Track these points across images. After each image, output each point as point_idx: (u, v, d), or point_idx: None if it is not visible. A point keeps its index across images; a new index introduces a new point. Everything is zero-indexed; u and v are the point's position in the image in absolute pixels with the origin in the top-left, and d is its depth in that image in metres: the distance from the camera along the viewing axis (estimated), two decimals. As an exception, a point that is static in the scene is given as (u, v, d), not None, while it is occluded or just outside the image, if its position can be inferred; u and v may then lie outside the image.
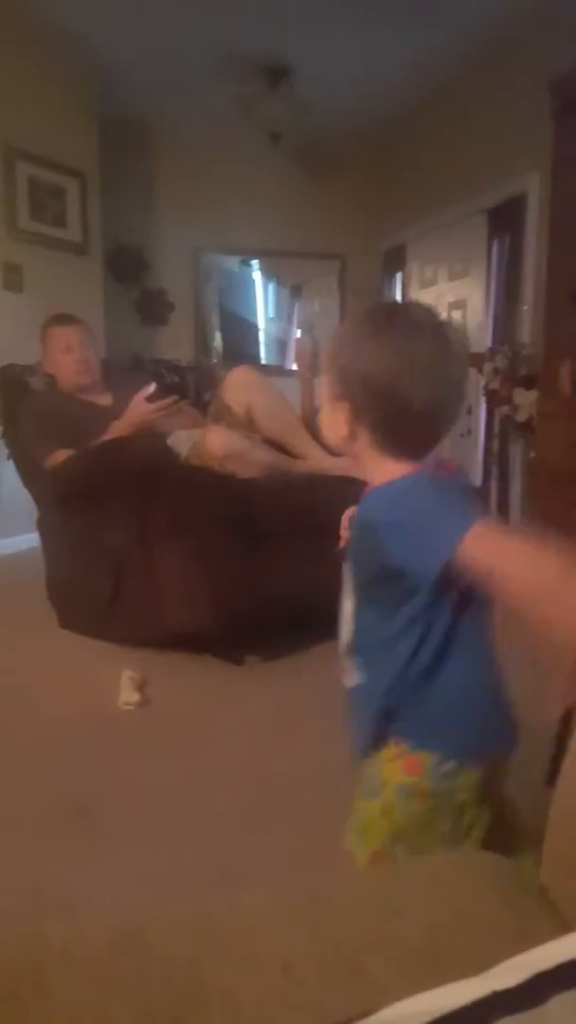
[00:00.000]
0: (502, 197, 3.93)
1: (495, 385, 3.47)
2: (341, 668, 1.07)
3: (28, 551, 3.42)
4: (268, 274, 6.09)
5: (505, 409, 3.46)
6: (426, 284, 4.97)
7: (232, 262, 5.94)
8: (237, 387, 2.91)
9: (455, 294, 4.61)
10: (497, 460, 4.00)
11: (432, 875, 0.75)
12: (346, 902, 0.71)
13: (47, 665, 2.46)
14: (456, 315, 4.61)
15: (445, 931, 0.67)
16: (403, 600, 0.92)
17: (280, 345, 6.20)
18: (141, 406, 2.70)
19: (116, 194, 4.72)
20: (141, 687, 2.18)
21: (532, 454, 3.32)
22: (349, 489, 2.78)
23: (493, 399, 3.65)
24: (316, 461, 2.75)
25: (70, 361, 2.90)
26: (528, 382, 3.30)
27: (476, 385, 3.89)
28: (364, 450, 0.94)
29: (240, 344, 5.97)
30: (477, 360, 3.71)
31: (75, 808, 1.64)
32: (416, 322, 0.89)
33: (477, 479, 4.12)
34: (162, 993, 0.58)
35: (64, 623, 2.70)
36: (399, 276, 5.26)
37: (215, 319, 5.84)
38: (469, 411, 4.35)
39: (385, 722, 0.98)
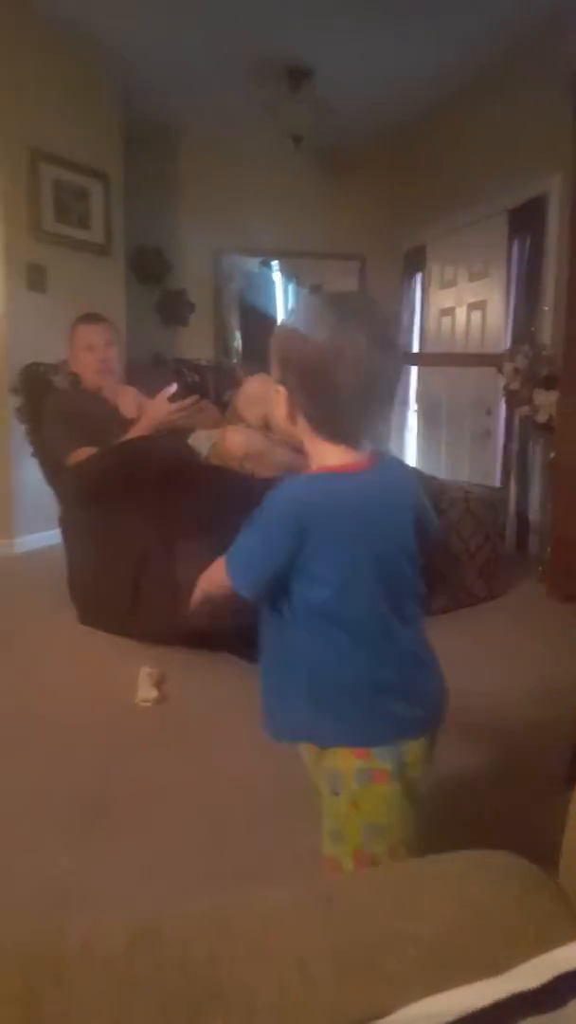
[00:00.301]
0: (523, 197, 3.90)
1: (515, 386, 3.45)
2: None
3: (50, 548, 3.46)
4: (288, 274, 6.10)
5: (525, 410, 3.43)
6: (446, 284, 4.95)
7: (252, 263, 5.95)
8: (253, 400, 2.89)
9: (475, 294, 4.59)
10: (517, 461, 3.98)
11: (448, 874, 0.75)
12: (362, 901, 0.71)
13: (67, 660, 2.48)
14: (476, 316, 4.59)
15: (462, 931, 0.66)
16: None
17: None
18: (162, 406, 2.71)
19: (139, 195, 4.75)
20: (159, 684, 2.19)
21: (552, 454, 3.30)
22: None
23: (513, 400, 3.63)
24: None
25: (92, 359, 2.93)
26: (548, 382, 3.27)
27: (496, 386, 3.87)
28: (303, 432, 1.01)
29: (260, 344, 5.97)
30: (497, 360, 3.70)
31: (92, 803, 1.65)
32: (353, 314, 0.95)
33: (496, 479, 4.10)
34: (179, 989, 0.58)
35: (84, 619, 2.73)
36: (419, 277, 5.24)
37: (235, 319, 5.85)
38: (489, 412, 4.33)
39: None
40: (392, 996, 0.59)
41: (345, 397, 0.94)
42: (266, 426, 2.86)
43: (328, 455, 0.99)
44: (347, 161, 5.45)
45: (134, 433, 2.70)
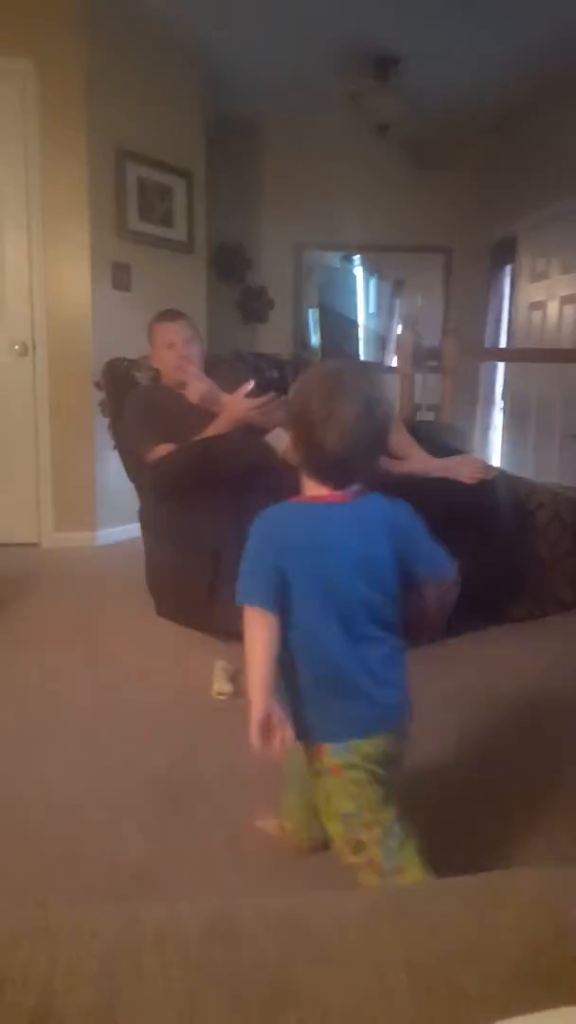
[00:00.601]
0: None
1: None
2: None
3: (130, 541, 3.53)
4: (370, 269, 6.04)
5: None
6: (537, 277, 4.81)
7: (333, 258, 5.92)
8: None
9: (569, 287, 4.44)
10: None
11: (533, 890, 0.72)
12: (440, 911, 0.69)
13: (144, 652, 2.52)
14: (569, 309, 4.44)
15: (546, 950, 0.63)
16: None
17: (380, 341, 6.14)
18: (240, 403, 2.72)
19: (220, 192, 4.80)
20: (234, 678, 2.20)
21: None
22: (449, 490, 2.74)
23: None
24: (417, 462, 2.69)
25: (172, 356, 2.96)
26: None
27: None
28: (299, 466, 1.23)
29: (339, 340, 5.96)
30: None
31: (167, 791, 1.67)
32: (350, 389, 1.16)
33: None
34: (252, 985, 0.58)
35: (161, 611, 2.77)
36: (508, 269, 5.10)
37: (315, 316, 5.84)
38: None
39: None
40: (469, 1012, 0.56)
41: (330, 454, 1.16)
42: None
43: (312, 488, 1.22)
44: (433, 152, 5.35)
45: (213, 430, 2.72)
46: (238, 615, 1.17)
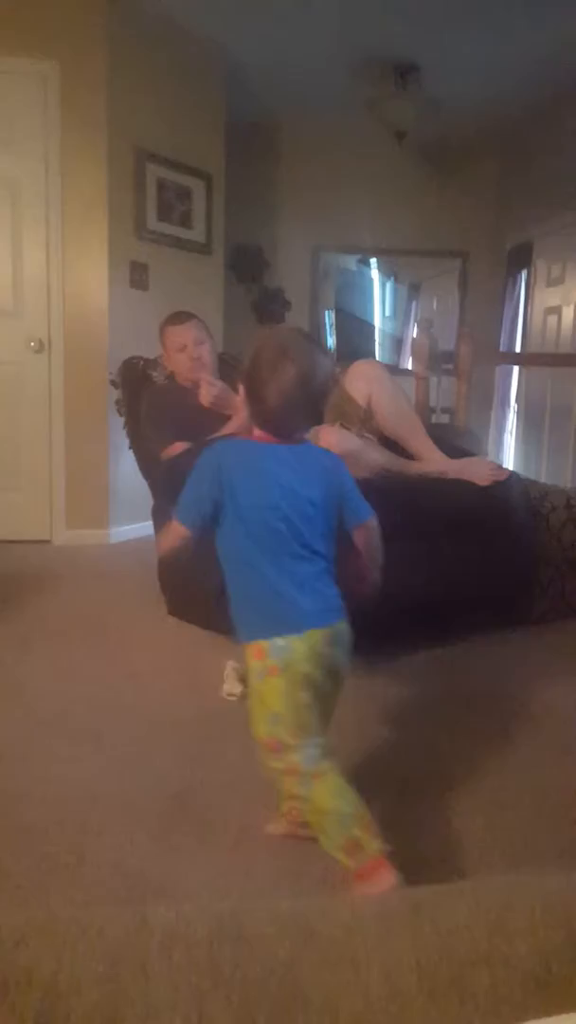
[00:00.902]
0: None
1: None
2: None
3: (143, 539, 3.54)
4: (386, 272, 6.04)
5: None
6: (553, 283, 4.79)
7: (350, 260, 5.92)
8: (360, 377, 2.87)
9: (584, 292, 4.41)
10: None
11: (545, 895, 0.71)
12: (452, 915, 0.68)
13: (155, 651, 2.52)
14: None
15: (560, 957, 0.62)
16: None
17: (396, 343, 6.13)
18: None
19: (239, 194, 4.81)
20: (244, 679, 2.19)
21: None
22: (465, 493, 2.72)
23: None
24: (433, 463, 2.68)
25: (184, 359, 2.96)
26: None
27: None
28: (248, 417, 1.44)
29: (355, 342, 5.95)
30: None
31: (175, 792, 1.67)
32: (292, 356, 1.35)
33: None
34: (260, 989, 0.57)
35: (173, 610, 2.77)
36: (524, 274, 5.08)
37: (331, 317, 5.84)
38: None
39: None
40: (480, 1018, 0.55)
41: (270, 409, 1.36)
42: (369, 409, 2.82)
43: (256, 432, 1.42)
44: (451, 157, 5.35)
45: (226, 430, 2.72)
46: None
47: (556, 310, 4.73)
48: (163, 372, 3.14)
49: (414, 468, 2.69)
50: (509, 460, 5.13)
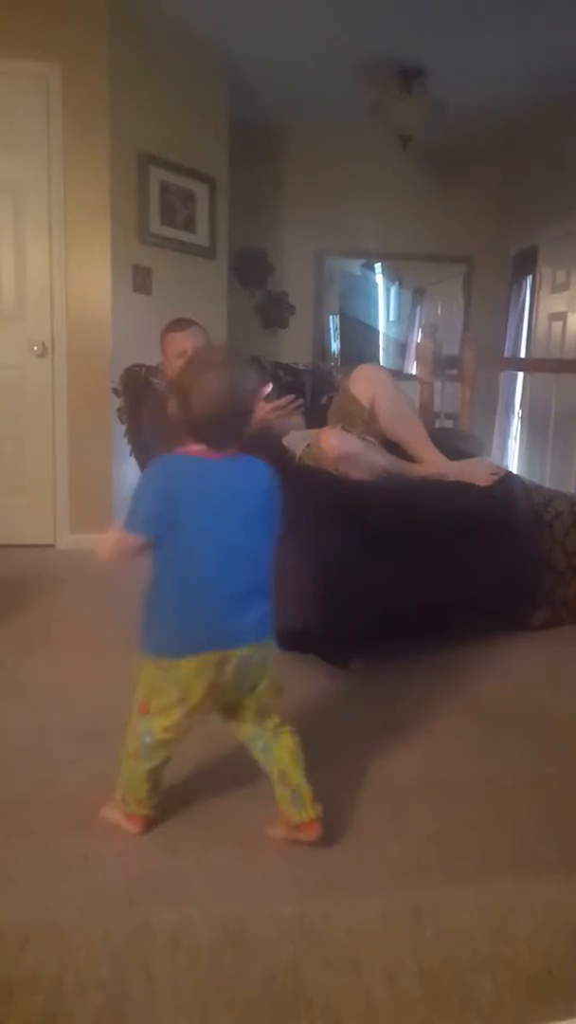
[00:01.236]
0: None
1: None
2: None
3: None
4: (391, 277, 6.04)
5: None
6: (558, 288, 4.79)
7: (354, 265, 5.93)
8: (363, 379, 2.89)
9: (588, 298, 4.42)
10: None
11: (547, 901, 0.71)
12: (455, 920, 0.68)
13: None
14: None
15: (561, 961, 0.62)
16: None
17: (400, 348, 6.13)
18: (258, 407, 2.72)
19: (243, 198, 4.81)
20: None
21: None
22: (466, 496, 2.72)
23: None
24: (434, 466, 2.68)
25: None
26: None
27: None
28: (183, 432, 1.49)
29: (359, 347, 5.95)
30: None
31: (180, 797, 1.67)
32: (217, 366, 1.45)
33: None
34: (263, 991, 0.57)
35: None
36: (528, 280, 5.09)
37: (335, 322, 5.85)
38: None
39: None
40: (482, 1021, 0.55)
41: (196, 419, 1.44)
42: (372, 411, 2.83)
43: (191, 446, 1.48)
44: (456, 162, 5.36)
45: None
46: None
47: (561, 316, 4.73)
48: (165, 378, 3.14)
49: (415, 470, 2.70)
50: (513, 466, 5.12)
